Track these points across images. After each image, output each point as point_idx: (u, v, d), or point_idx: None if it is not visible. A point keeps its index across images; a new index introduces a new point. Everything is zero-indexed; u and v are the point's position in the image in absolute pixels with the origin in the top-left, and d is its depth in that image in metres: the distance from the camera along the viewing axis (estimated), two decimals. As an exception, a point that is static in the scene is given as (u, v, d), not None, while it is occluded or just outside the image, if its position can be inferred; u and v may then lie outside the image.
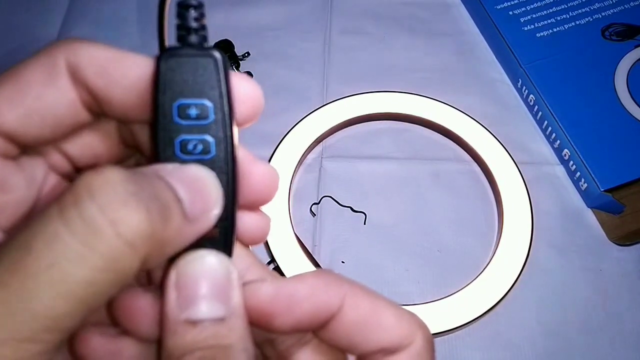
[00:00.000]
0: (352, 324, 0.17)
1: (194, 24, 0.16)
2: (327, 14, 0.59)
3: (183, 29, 0.16)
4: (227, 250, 0.17)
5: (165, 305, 0.16)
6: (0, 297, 0.13)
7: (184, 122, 0.16)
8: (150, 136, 0.16)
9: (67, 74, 0.16)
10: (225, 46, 0.55)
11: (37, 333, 0.13)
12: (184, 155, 0.16)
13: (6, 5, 0.59)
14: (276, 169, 0.19)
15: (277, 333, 0.18)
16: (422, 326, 0.18)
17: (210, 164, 0.16)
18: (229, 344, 0.15)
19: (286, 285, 0.17)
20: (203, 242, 0.16)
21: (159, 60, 0.16)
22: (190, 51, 0.16)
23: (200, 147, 0.16)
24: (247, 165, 0.18)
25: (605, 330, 0.43)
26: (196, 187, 0.15)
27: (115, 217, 0.13)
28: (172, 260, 0.17)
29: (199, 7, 0.16)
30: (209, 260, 0.16)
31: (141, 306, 0.16)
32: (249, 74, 0.54)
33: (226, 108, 0.16)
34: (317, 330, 0.18)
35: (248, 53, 0.55)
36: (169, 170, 0.15)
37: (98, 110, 0.17)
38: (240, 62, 0.55)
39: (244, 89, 0.17)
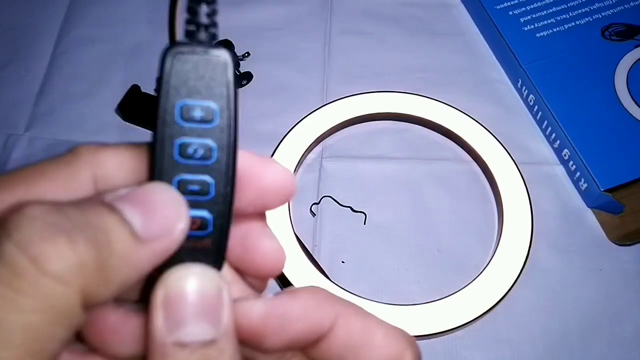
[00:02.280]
0: (343, 344, 0.17)
1: (204, 20, 0.15)
2: (327, 14, 0.59)
3: (193, 24, 0.15)
4: (219, 261, 0.16)
5: (152, 326, 0.15)
6: None
7: (186, 124, 0.15)
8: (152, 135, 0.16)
9: (90, 184, 0.16)
10: (225, 46, 0.55)
11: None
12: (183, 160, 0.15)
13: (6, 5, 0.59)
14: (282, 247, 0.18)
15: (266, 352, 0.17)
16: (412, 343, 0.18)
17: (209, 170, 0.15)
18: None
19: (278, 304, 0.16)
20: (195, 253, 0.16)
21: (164, 56, 0.15)
22: (199, 49, 0.15)
23: (201, 151, 0.15)
24: (254, 240, 0.17)
25: (605, 330, 0.43)
26: (151, 206, 0.14)
27: (34, 253, 0.12)
28: (155, 275, 0.15)
29: (212, 2, 0.15)
30: (198, 277, 0.15)
31: (112, 322, 0.15)
32: (249, 74, 0.54)
33: (232, 113, 0.15)
34: (307, 349, 0.17)
35: (248, 53, 0.56)
36: (119, 194, 0.14)
37: None
38: (240, 62, 0.55)
39: (278, 177, 0.17)
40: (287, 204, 0.47)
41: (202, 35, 0.15)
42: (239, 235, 0.17)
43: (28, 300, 0.12)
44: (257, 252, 0.17)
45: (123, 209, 0.14)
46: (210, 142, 0.15)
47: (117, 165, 0.16)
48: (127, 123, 0.52)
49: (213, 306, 0.15)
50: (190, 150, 0.15)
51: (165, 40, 0.57)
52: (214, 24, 0.15)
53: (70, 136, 0.52)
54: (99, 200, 0.14)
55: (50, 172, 0.15)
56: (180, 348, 0.14)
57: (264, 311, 0.16)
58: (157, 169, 0.15)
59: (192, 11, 0.15)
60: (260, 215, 0.18)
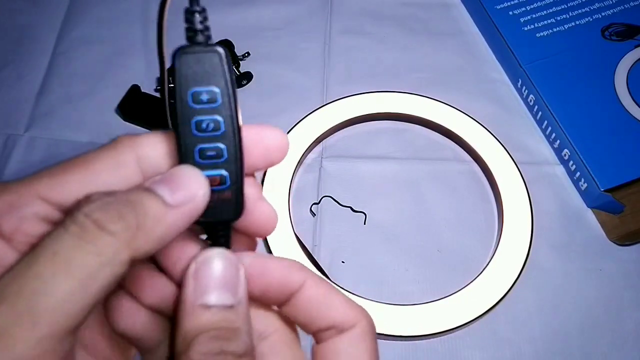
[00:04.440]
0: (311, 301, 0.21)
1: (199, 26, 0.19)
2: (327, 14, 0.59)
3: (191, 31, 0.19)
4: (239, 207, 0.20)
5: (184, 291, 0.19)
6: (18, 286, 0.16)
7: (197, 106, 0.19)
8: (173, 120, 0.20)
9: (134, 164, 0.20)
10: (225, 46, 0.55)
11: (43, 314, 0.16)
12: (200, 133, 0.19)
13: (6, 5, 0.60)
14: (275, 210, 0.22)
15: (250, 299, 0.21)
16: (367, 313, 0.21)
17: (221, 138, 0.20)
18: (237, 327, 0.19)
19: (262, 258, 0.21)
20: (221, 204, 0.20)
21: (174, 58, 0.19)
22: (199, 48, 0.19)
23: (212, 125, 0.19)
24: (252, 204, 0.21)
25: (605, 330, 0.43)
26: (176, 183, 0.19)
27: (95, 217, 0.17)
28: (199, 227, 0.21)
29: (203, 11, 0.19)
30: (221, 258, 0.20)
31: (146, 274, 0.21)
32: (249, 74, 0.54)
33: (231, 92, 0.19)
34: (282, 305, 0.21)
35: (248, 53, 0.55)
36: (154, 179, 0.19)
37: None
38: (240, 62, 0.55)
39: (275, 139, 0.21)
40: (287, 204, 0.47)
41: (200, 37, 0.19)
42: None
43: (89, 246, 0.17)
44: (255, 214, 0.21)
45: (155, 188, 0.19)
46: (217, 117, 0.19)
47: (153, 145, 0.20)
48: (127, 123, 0.52)
49: (232, 282, 0.20)
50: (203, 125, 0.19)
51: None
52: (207, 28, 0.19)
53: (70, 136, 0.52)
54: (141, 185, 0.19)
55: (101, 156, 0.20)
56: (205, 309, 0.19)
57: (251, 259, 0.21)
58: (182, 143, 0.20)
59: (189, 21, 0.19)
60: (258, 186, 0.22)
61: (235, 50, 0.55)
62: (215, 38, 0.20)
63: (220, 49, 0.19)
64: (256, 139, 0.21)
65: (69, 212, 0.18)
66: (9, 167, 0.50)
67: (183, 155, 0.20)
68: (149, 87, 0.54)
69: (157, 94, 0.54)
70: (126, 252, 0.17)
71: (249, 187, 0.21)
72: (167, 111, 0.20)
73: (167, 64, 0.20)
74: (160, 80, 0.54)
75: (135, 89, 0.53)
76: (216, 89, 0.19)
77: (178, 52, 0.19)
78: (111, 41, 0.57)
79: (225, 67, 0.19)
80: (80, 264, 0.17)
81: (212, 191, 0.20)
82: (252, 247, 0.23)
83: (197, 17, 0.19)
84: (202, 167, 0.20)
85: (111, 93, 0.53)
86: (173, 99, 0.19)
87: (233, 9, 0.58)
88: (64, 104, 0.54)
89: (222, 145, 0.20)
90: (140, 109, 0.52)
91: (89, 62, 0.56)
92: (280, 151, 0.22)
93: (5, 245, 0.18)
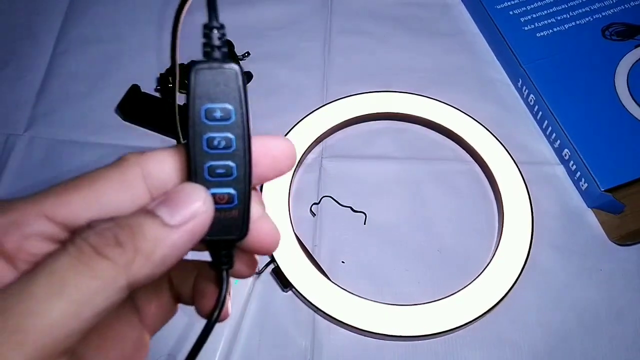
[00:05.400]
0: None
1: (217, 42, 0.19)
2: (327, 14, 0.59)
3: (208, 46, 0.19)
4: (245, 227, 0.20)
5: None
6: (11, 304, 0.16)
7: (210, 123, 0.19)
8: (184, 135, 0.20)
9: (142, 182, 0.20)
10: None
11: (31, 335, 0.16)
12: (210, 150, 0.19)
13: (6, 5, 0.59)
14: (278, 228, 0.22)
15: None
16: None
17: (231, 156, 0.20)
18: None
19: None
20: (226, 223, 0.20)
21: (189, 72, 0.19)
22: (215, 64, 0.19)
23: (223, 142, 0.19)
24: (256, 222, 0.21)
25: (605, 330, 0.43)
26: (177, 200, 0.19)
27: (92, 242, 0.17)
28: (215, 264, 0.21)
29: (221, 28, 0.19)
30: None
31: None
32: (249, 73, 0.54)
33: (244, 110, 0.19)
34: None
35: (248, 53, 0.55)
36: (157, 200, 0.19)
37: None
38: (240, 61, 0.55)
39: (282, 148, 0.21)
40: (287, 204, 0.47)
41: (217, 54, 0.19)
42: None
43: (86, 269, 0.17)
44: (258, 232, 0.21)
45: (155, 209, 0.19)
46: (229, 134, 0.19)
47: (160, 162, 0.20)
48: (127, 123, 0.52)
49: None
50: (215, 142, 0.19)
51: (165, 40, 0.57)
52: (224, 44, 0.20)
53: (69, 136, 0.52)
54: (143, 208, 0.19)
55: (107, 175, 0.19)
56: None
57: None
58: (192, 159, 0.19)
59: (207, 36, 0.19)
60: (262, 202, 0.22)
61: (235, 50, 0.55)
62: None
63: (236, 67, 0.19)
64: (263, 150, 0.21)
65: (71, 237, 0.18)
66: (9, 167, 0.50)
67: (192, 172, 0.19)
68: (148, 86, 0.54)
69: (157, 94, 0.54)
70: (123, 278, 0.17)
71: (254, 205, 0.21)
72: (177, 127, 0.20)
73: (179, 66, 0.20)
74: (172, 89, 0.54)
75: (135, 88, 0.53)
76: (230, 107, 0.19)
77: (193, 67, 0.19)
78: (111, 41, 0.57)
79: (241, 84, 0.19)
80: (75, 286, 0.17)
81: (219, 209, 0.20)
82: (253, 265, 0.23)
83: (216, 33, 0.19)
84: (210, 184, 0.19)
85: (111, 93, 0.53)
86: (186, 114, 0.19)
87: (233, 8, 0.58)
88: (64, 104, 0.54)
89: (232, 164, 0.20)
90: (140, 109, 0.52)
91: (89, 61, 0.56)
92: (288, 159, 0.21)
93: (6, 265, 0.18)
